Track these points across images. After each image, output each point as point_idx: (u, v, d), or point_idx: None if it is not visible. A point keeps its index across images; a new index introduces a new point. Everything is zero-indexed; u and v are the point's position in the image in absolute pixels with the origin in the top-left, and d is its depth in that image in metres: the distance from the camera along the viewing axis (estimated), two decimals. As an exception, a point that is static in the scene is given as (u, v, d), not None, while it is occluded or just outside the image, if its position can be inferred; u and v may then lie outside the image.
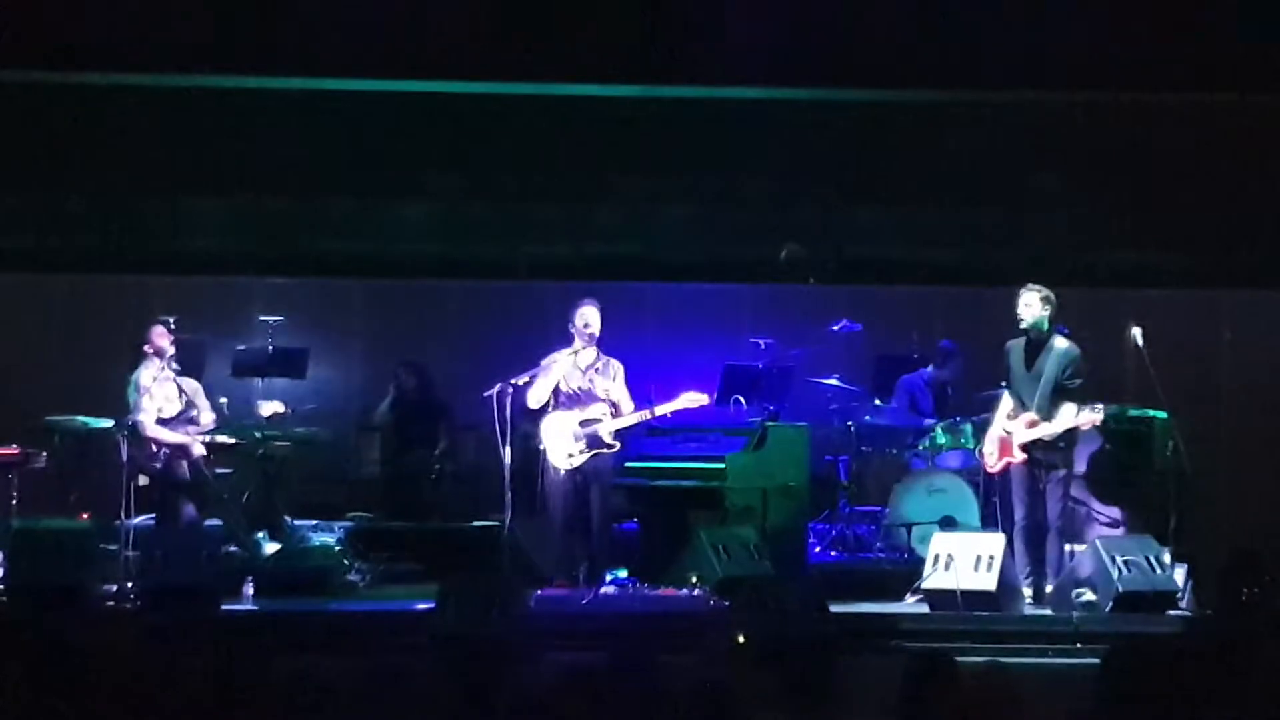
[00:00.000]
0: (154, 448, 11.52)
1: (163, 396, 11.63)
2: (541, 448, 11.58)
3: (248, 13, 12.61)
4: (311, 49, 12.75)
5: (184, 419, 11.68)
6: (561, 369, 11.57)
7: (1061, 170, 14.98)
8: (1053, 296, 11.26)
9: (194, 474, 11.72)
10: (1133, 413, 12.71)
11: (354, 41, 12.80)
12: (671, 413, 11.68)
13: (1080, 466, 12.05)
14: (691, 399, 11.61)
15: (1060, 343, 11.21)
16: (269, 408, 12.14)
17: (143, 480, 11.50)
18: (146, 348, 11.64)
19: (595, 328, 11.60)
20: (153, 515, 11.56)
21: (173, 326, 11.77)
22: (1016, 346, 11.36)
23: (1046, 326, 11.24)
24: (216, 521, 11.84)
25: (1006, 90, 13.23)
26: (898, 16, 12.77)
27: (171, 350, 11.68)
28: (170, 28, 12.56)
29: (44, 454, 12.10)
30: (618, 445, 11.59)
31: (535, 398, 11.53)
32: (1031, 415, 11.16)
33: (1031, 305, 11.17)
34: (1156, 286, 14.58)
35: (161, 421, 11.60)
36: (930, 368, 13.25)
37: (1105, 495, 12.62)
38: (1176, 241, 15.01)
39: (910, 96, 13.69)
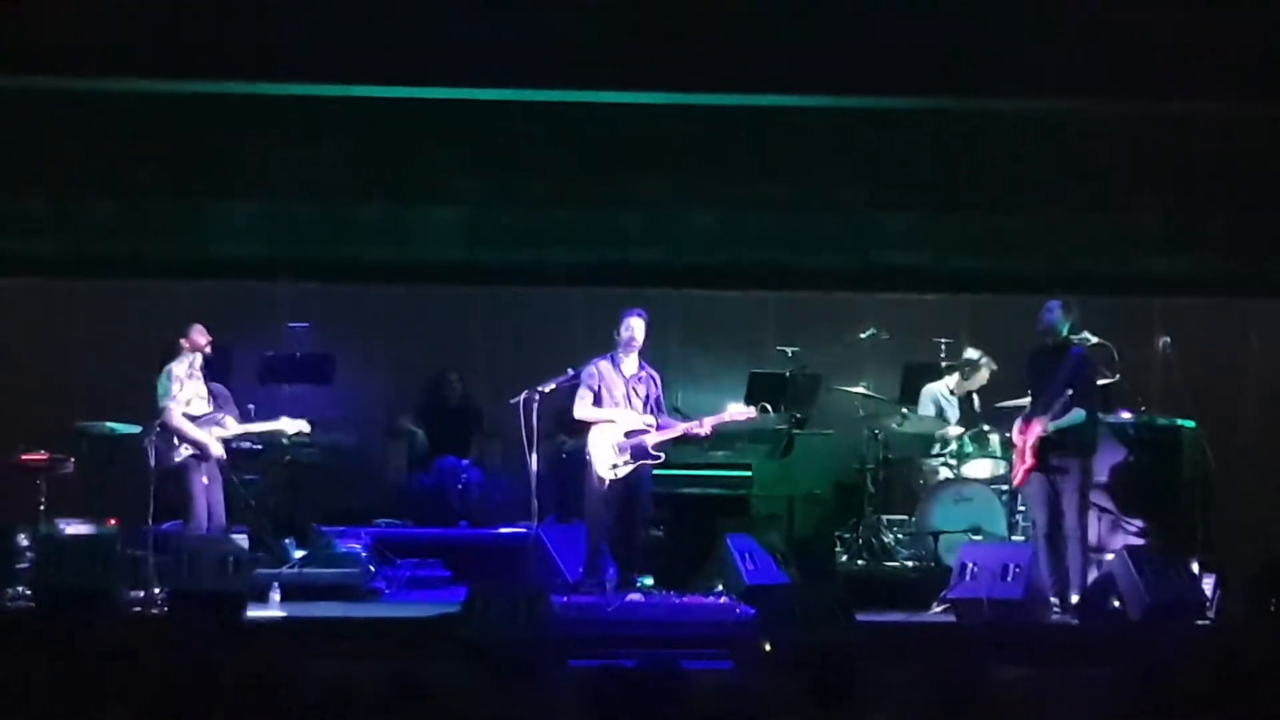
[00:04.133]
0: (175, 440, 11.46)
1: (192, 393, 11.59)
2: (587, 457, 11.59)
3: (277, 19, 12.63)
4: (340, 56, 12.77)
5: (209, 420, 11.63)
6: (599, 378, 11.58)
7: (1090, 178, 14.89)
8: (1071, 304, 11.33)
9: (212, 476, 11.67)
10: (1161, 421, 12.66)
11: (382, 49, 12.82)
12: (718, 426, 11.68)
13: (1103, 476, 12.01)
14: (738, 411, 11.61)
15: (1074, 351, 11.24)
16: (293, 425, 12.03)
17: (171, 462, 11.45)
18: (184, 342, 11.61)
19: (640, 339, 11.66)
20: (179, 521, 11.55)
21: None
22: (1037, 356, 11.42)
23: (1064, 333, 11.28)
24: (243, 527, 11.84)
25: (1037, 98, 13.20)
26: (926, 23, 12.74)
27: (208, 351, 11.68)
28: (199, 33, 12.58)
29: (71, 460, 12.16)
30: (662, 456, 11.62)
31: (580, 410, 11.58)
32: (1036, 419, 11.19)
33: (1053, 313, 11.24)
34: (1185, 295, 14.55)
35: (188, 417, 11.54)
36: (956, 376, 13.18)
37: (1130, 504, 12.52)
38: (1205, 250, 14.94)
39: (938, 104, 13.66)
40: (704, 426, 11.63)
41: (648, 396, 11.67)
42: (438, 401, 14.13)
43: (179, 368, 11.59)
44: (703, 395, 12.22)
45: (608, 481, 11.51)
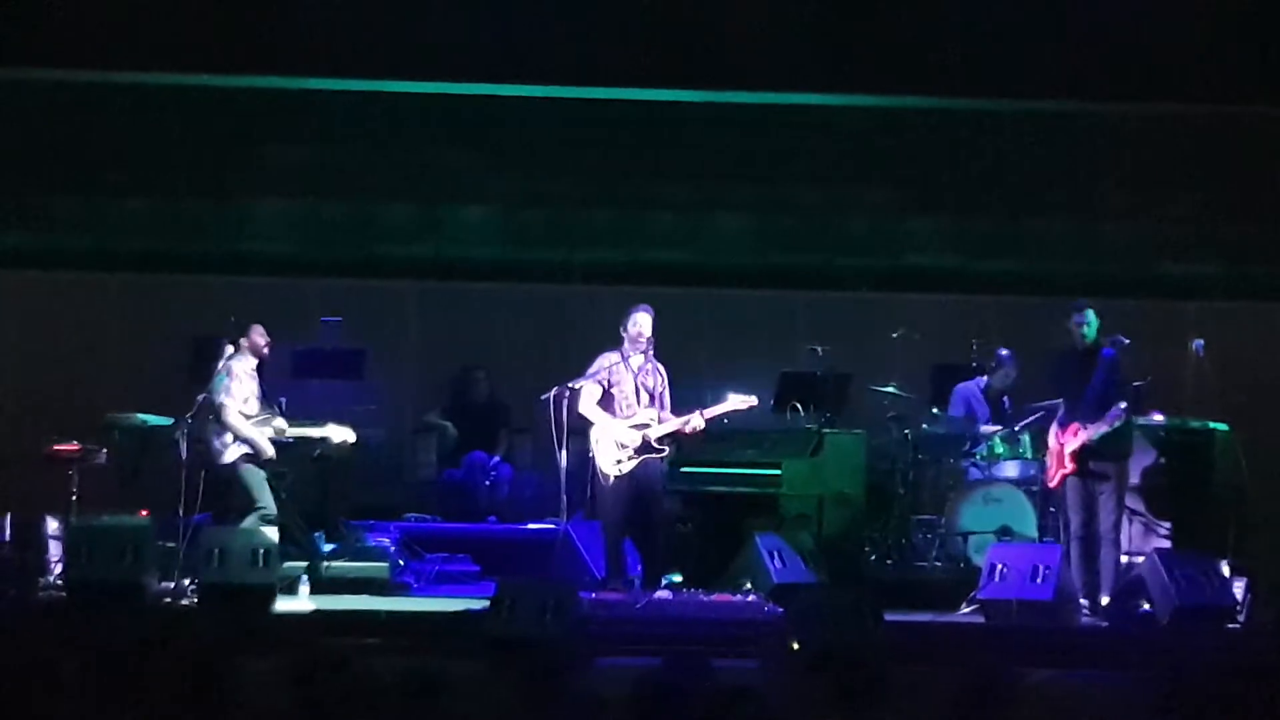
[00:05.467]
0: (229, 438, 11.47)
1: (248, 393, 11.58)
2: (591, 455, 11.59)
3: (311, 16, 12.67)
4: (371, 52, 12.81)
5: (262, 422, 11.60)
6: (609, 372, 11.59)
7: (1123, 181, 14.88)
8: (1097, 308, 11.41)
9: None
10: (1193, 425, 12.63)
11: (412, 45, 12.86)
12: (720, 416, 11.66)
13: (1135, 478, 11.97)
14: (738, 400, 11.59)
15: (1106, 353, 11.25)
16: (339, 434, 11.99)
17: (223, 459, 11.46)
18: (243, 341, 11.62)
19: (648, 334, 11.63)
20: (209, 513, 11.54)
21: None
22: (1066, 359, 11.44)
23: (1094, 336, 11.30)
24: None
25: (1067, 100, 13.15)
26: (956, 24, 12.72)
27: (266, 353, 11.71)
28: (233, 29, 12.62)
29: (103, 451, 12.14)
30: (665, 450, 11.59)
31: (583, 406, 11.56)
32: (1078, 424, 11.17)
33: (1090, 321, 11.27)
34: (1218, 298, 14.53)
35: (242, 416, 11.54)
36: (986, 376, 13.13)
37: (1161, 507, 12.47)
38: (1238, 253, 14.90)
39: (970, 105, 13.66)
40: (706, 416, 11.58)
41: (654, 391, 11.64)
42: (465, 398, 14.13)
43: (239, 365, 11.57)
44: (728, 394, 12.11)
45: (613, 477, 11.48)
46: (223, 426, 11.46)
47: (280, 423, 11.69)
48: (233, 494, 11.47)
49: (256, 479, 11.46)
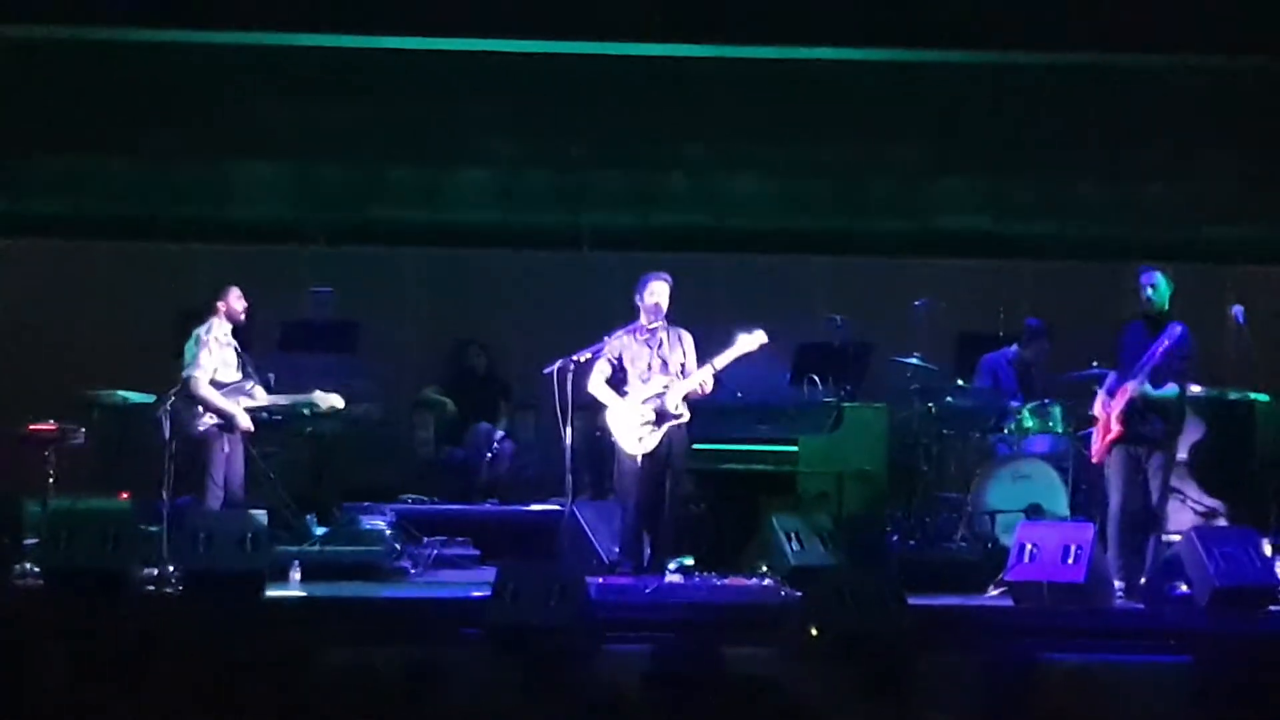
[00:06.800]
0: (199, 409, 11.23)
1: (221, 360, 11.37)
2: (612, 439, 11.37)
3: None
4: (367, 5, 12.81)
5: (237, 390, 11.40)
6: (620, 348, 11.34)
7: (1162, 142, 14.77)
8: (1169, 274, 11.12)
9: (233, 447, 11.44)
10: (1233, 395, 12.52)
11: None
12: (733, 360, 11.31)
13: (1182, 455, 11.73)
14: (747, 341, 11.28)
15: (1178, 325, 10.92)
16: (326, 400, 11.77)
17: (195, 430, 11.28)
18: (219, 304, 11.42)
19: (664, 305, 11.39)
20: (193, 495, 11.38)
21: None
22: (1133, 326, 11.10)
23: (1165, 306, 10.97)
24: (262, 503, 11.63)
25: (1104, 55, 13.05)
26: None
27: (242, 319, 11.51)
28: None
29: (82, 430, 11.93)
30: (687, 415, 11.31)
31: (593, 385, 11.32)
32: (1128, 384, 10.85)
33: (1158, 286, 10.94)
34: (1259, 262, 14.42)
35: (215, 384, 11.32)
36: (1015, 346, 12.96)
37: (1206, 485, 12.30)
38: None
39: (1001, 58, 13.55)
40: (717, 365, 11.27)
41: (671, 361, 11.37)
42: (462, 373, 14.05)
43: (209, 334, 11.39)
44: (747, 366, 11.82)
45: (639, 457, 11.25)
46: (193, 399, 11.25)
47: (259, 391, 11.49)
48: (193, 467, 11.28)
49: (217, 457, 11.24)
